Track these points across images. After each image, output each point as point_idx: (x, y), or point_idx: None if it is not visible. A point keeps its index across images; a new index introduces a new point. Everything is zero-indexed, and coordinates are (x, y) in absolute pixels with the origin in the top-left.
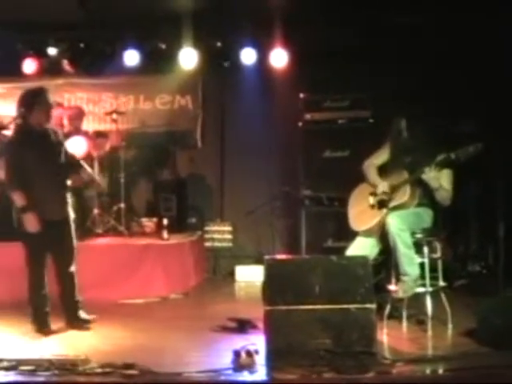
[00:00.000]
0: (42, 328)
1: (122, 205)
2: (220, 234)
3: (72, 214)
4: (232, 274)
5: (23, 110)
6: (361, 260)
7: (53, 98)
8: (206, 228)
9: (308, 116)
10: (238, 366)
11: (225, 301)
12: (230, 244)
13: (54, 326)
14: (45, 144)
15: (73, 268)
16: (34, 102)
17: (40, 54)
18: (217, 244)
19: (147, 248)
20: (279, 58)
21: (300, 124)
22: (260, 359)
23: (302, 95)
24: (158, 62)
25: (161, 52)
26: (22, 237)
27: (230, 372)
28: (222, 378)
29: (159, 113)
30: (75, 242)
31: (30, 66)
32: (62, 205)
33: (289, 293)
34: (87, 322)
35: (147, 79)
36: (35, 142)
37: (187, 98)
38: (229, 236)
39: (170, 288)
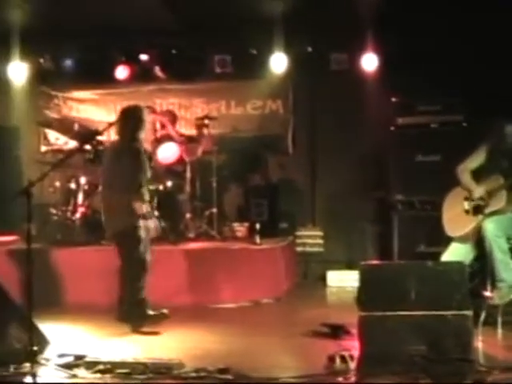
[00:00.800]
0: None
1: (214, 209)
2: (311, 238)
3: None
4: (323, 278)
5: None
6: (457, 266)
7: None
8: (298, 233)
9: (400, 120)
10: (332, 372)
11: (316, 306)
12: (321, 249)
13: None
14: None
15: None
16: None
17: (132, 61)
18: (308, 249)
19: (240, 252)
20: (370, 62)
21: (392, 128)
22: (354, 365)
23: (393, 99)
24: (249, 67)
25: (252, 57)
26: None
27: (324, 377)
28: (316, 383)
29: (250, 118)
30: None
31: (122, 72)
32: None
33: (384, 299)
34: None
35: (238, 84)
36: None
37: (278, 103)
38: (320, 241)
39: (261, 293)
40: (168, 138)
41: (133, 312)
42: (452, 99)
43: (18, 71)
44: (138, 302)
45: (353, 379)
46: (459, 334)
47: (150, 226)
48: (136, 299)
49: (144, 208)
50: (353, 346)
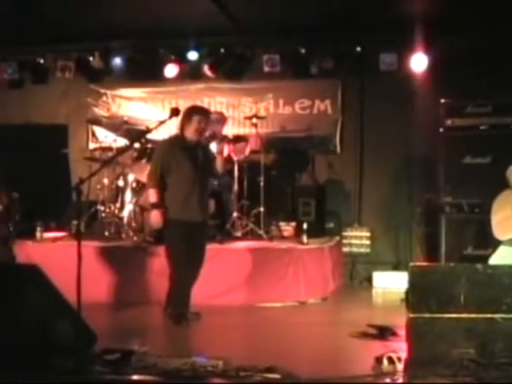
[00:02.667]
0: (181, 321)
1: (262, 209)
2: (358, 239)
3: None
4: (369, 279)
5: (180, 122)
6: (507, 269)
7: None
8: (344, 233)
9: (449, 122)
10: (380, 373)
11: (363, 307)
12: (368, 250)
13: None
14: (192, 155)
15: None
16: (191, 119)
17: (181, 59)
18: (354, 249)
19: (287, 252)
20: (419, 62)
21: (441, 130)
22: (402, 367)
23: (442, 100)
24: (297, 66)
25: (300, 56)
26: (167, 239)
27: (372, 379)
28: None
29: (298, 117)
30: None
31: (171, 70)
32: (204, 209)
33: (433, 301)
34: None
35: (287, 84)
36: (184, 151)
37: (326, 103)
38: (366, 241)
39: (308, 293)
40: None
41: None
42: (502, 101)
43: (68, 69)
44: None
45: (400, 381)
46: (508, 337)
47: None
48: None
49: None
50: (400, 348)
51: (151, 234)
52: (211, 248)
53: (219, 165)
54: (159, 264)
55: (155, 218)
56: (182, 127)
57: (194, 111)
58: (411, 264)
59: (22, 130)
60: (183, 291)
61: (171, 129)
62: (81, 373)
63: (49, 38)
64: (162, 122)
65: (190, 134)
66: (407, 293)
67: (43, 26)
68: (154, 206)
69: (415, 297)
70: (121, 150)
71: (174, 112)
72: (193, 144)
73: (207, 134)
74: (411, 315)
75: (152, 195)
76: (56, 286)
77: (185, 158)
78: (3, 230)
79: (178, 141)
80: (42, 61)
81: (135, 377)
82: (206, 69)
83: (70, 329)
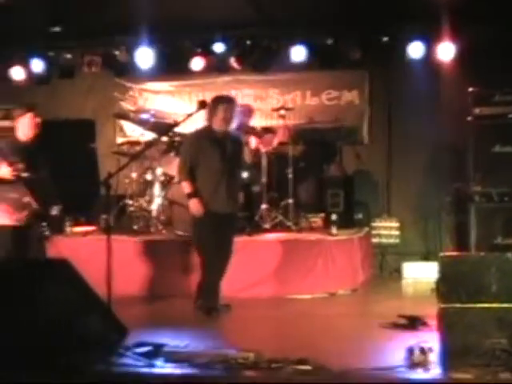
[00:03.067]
0: (212, 313)
1: (290, 200)
2: (387, 230)
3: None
4: (398, 270)
5: (207, 113)
6: None
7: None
8: (373, 224)
9: (477, 110)
10: (412, 364)
11: (393, 297)
12: (397, 240)
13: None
14: (220, 147)
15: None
16: (216, 109)
17: (207, 52)
18: (383, 240)
19: (316, 243)
20: (447, 51)
21: (469, 119)
22: (434, 357)
23: (470, 89)
24: (324, 57)
25: (327, 47)
26: (195, 231)
27: (404, 369)
28: (396, 375)
29: (326, 108)
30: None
31: (197, 63)
32: (233, 200)
33: (464, 291)
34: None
35: (314, 75)
36: (212, 143)
37: (354, 94)
38: (396, 232)
39: (338, 284)
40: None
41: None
42: None
43: (94, 63)
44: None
45: (432, 371)
46: None
47: None
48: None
49: None
50: (431, 338)
51: (182, 227)
52: (240, 240)
53: (247, 156)
54: (188, 257)
55: (194, 206)
56: (209, 118)
57: (219, 101)
58: (441, 254)
59: (50, 126)
60: (212, 283)
61: (198, 122)
62: (111, 366)
63: (75, 33)
64: (189, 115)
65: (218, 124)
66: (438, 283)
67: (69, 21)
68: (191, 195)
69: (446, 287)
70: (149, 144)
71: (202, 105)
72: (221, 135)
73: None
74: (442, 305)
75: (186, 187)
76: (86, 280)
77: (213, 149)
78: (39, 228)
79: (205, 133)
80: (68, 56)
81: (166, 370)
82: (232, 61)
83: (100, 323)
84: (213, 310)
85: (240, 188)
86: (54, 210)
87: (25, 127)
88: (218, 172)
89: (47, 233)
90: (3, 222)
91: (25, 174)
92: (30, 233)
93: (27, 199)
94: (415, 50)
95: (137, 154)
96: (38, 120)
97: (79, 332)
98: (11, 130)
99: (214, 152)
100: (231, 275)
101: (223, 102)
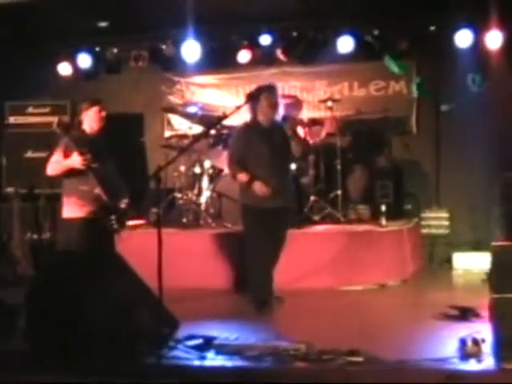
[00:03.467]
0: (263, 307)
1: (339, 192)
2: (436, 220)
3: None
4: (448, 261)
5: (251, 106)
6: None
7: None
8: (423, 215)
9: None
10: (465, 355)
11: (443, 288)
12: (447, 231)
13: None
14: (268, 139)
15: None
16: (258, 99)
17: (254, 44)
18: (433, 231)
19: (366, 235)
20: (495, 39)
21: None
22: (486, 348)
23: None
24: (371, 47)
25: (374, 38)
26: (243, 225)
27: (457, 360)
28: (448, 366)
29: (374, 99)
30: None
31: (244, 56)
32: (284, 194)
33: None
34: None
35: (361, 66)
36: (260, 135)
37: (401, 84)
38: (445, 223)
39: (388, 275)
40: (292, 121)
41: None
42: None
43: (141, 58)
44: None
45: (486, 362)
46: None
47: None
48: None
49: None
50: (484, 329)
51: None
52: (290, 232)
53: (296, 148)
54: (238, 249)
55: (260, 188)
56: (253, 111)
57: (259, 90)
58: (494, 244)
59: None
60: (261, 277)
61: (246, 115)
62: (162, 359)
63: (122, 27)
64: (238, 108)
65: (263, 114)
66: (490, 273)
67: (116, 16)
68: (251, 180)
69: (498, 277)
70: (198, 137)
71: (250, 97)
72: (268, 127)
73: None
74: (494, 296)
75: (242, 177)
76: (137, 273)
77: (261, 142)
78: (108, 221)
79: (252, 125)
80: (115, 51)
81: (217, 362)
82: (278, 53)
83: (152, 315)
84: (264, 303)
85: (290, 181)
86: (123, 203)
87: (91, 120)
88: (267, 165)
89: (115, 226)
90: (74, 215)
91: (94, 165)
92: (100, 226)
93: (97, 191)
94: (463, 38)
95: (186, 147)
96: (104, 114)
97: (132, 324)
98: (68, 125)
99: (262, 145)
100: (281, 267)
101: (263, 91)
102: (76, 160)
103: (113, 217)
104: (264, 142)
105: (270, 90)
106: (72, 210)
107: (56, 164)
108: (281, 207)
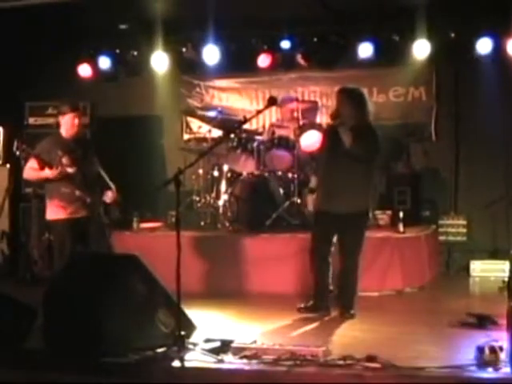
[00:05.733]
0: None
1: None
2: (454, 227)
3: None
4: (466, 268)
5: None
6: None
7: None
8: (440, 221)
9: None
10: (482, 363)
11: (460, 296)
12: (465, 238)
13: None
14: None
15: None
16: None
17: (274, 49)
18: (451, 238)
19: (384, 241)
20: None
21: None
22: (504, 356)
23: None
24: (391, 54)
25: (394, 44)
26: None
27: (474, 368)
28: (466, 374)
29: (393, 105)
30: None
31: (264, 60)
32: (349, 201)
33: None
34: None
35: (380, 71)
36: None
37: (421, 90)
38: (463, 230)
39: (405, 282)
40: (310, 126)
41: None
42: None
43: (161, 61)
44: None
45: (503, 370)
46: None
47: None
48: None
49: None
50: (501, 337)
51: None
52: (304, 237)
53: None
54: (256, 253)
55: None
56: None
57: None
58: None
59: (118, 122)
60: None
61: (266, 119)
62: (180, 361)
63: (142, 30)
64: (258, 112)
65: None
66: (508, 281)
67: (136, 18)
68: (311, 190)
69: None
70: (219, 141)
71: (271, 101)
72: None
73: (301, 123)
74: None
75: (313, 180)
76: (155, 275)
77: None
78: (96, 219)
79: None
80: (135, 53)
81: (234, 366)
82: (299, 58)
83: (170, 318)
84: (321, 309)
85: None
86: (107, 198)
87: (66, 125)
88: (331, 168)
89: (105, 220)
90: (57, 217)
91: (70, 170)
92: (87, 225)
93: (78, 193)
94: (483, 45)
95: (207, 150)
96: (77, 121)
97: (149, 327)
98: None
99: (331, 149)
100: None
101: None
102: (48, 174)
103: (99, 213)
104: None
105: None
106: (55, 211)
107: (31, 171)
108: (351, 213)
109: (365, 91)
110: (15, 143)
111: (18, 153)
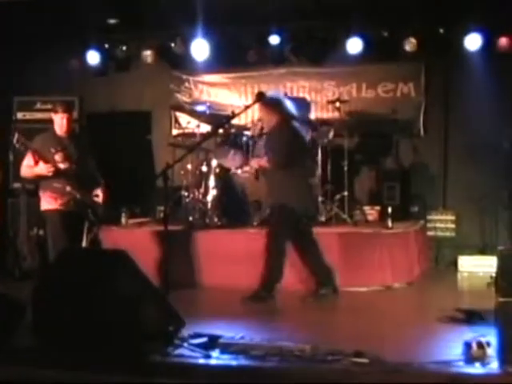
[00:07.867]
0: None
1: (346, 193)
2: (443, 223)
3: None
4: (455, 264)
5: None
6: None
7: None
8: (429, 217)
9: None
10: (470, 358)
11: (449, 291)
12: (453, 234)
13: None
14: None
15: None
16: None
17: (263, 44)
18: (439, 233)
19: (372, 236)
20: (504, 43)
21: None
22: (492, 351)
23: None
24: (380, 49)
25: (383, 39)
26: None
27: (461, 364)
28: (453, 369)
29: (382, 101)
30: None
31: (253, 55)
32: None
33: None
34: None
35: (369, 67)
36: None
37: (410, 86)
38: (452, 225)
39: (394, 277)
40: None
41: None
42: None
43: (150, 55)
44: None
45: (490, 366)
46: None
47: None
48: None
49: None
50: (489, 332)
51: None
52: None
53: None
54: (245, 248)
55: None
56: None
57: None
58: (500, 248)
59: (107, 117)
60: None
61: (255, 114)
62: (168, 357)
63: (131, 25)
64: (247, 107)
65: None
66: (496, 277)
67: (125, 13)
68: None
69: (505, 281)
70: (207, 136)
71: (259, 97)
72: None
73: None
74: (501, 299)
75: None
76: (143, 271)
77: None
78: (85, 216)
79: None
80: (124, 48)
81: (222, 361)
82: (288, 53)
83: (158, 313)
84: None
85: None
86: (96, 196)
87: (57, 124)
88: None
89: (92, 218)
90: (50, 207)
91: (63, 166)
92: (76, 219)
93: (68, 189)
94: (472, 41)
95: (195, 145)
96: (65, 123)
97: (137, 322)
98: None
99: None
100: (286, 268)
101: None
102: (43, 168)
103: (89, 210)
104: None
105: None
106: (48, 201)
107: (27, 168)
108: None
109: None
110: (16, 136)
111: (17, 146)
